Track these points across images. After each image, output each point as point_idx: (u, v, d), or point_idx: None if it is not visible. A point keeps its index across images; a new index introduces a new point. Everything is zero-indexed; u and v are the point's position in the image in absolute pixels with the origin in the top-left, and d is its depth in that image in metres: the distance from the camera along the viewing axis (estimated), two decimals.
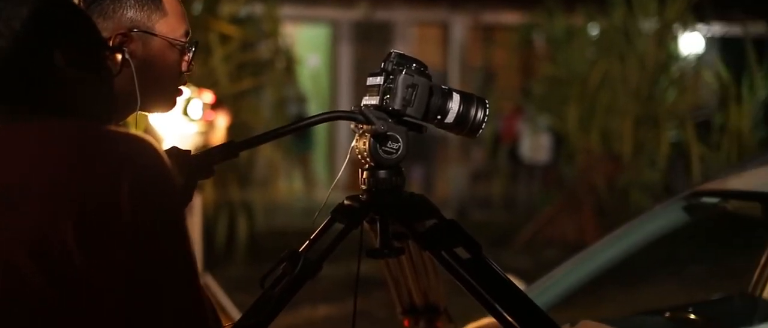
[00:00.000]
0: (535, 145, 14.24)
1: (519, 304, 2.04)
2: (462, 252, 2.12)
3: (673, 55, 11.97)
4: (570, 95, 11.32)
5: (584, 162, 11.42)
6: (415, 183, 15.11)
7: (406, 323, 2.80)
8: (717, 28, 14.56)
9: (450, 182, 14.28)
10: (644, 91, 11.28)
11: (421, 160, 15.63)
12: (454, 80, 14.81)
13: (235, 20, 9.64)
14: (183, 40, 1.97)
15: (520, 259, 10.08)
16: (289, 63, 10.10)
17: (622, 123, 11.09)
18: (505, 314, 2.00)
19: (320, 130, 14.79)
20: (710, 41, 15.19)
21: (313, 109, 14.01)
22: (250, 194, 9.84)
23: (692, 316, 3.35)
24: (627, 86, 11.18)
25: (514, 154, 14.84)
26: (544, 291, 3.27)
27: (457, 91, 2.21)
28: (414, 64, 2.11)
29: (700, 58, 13.40)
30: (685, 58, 12.53)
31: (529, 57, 14.30)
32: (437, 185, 15.17)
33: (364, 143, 2.13)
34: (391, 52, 2.15)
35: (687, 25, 11.75)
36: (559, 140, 12.98)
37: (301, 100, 12.35)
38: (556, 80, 11.88)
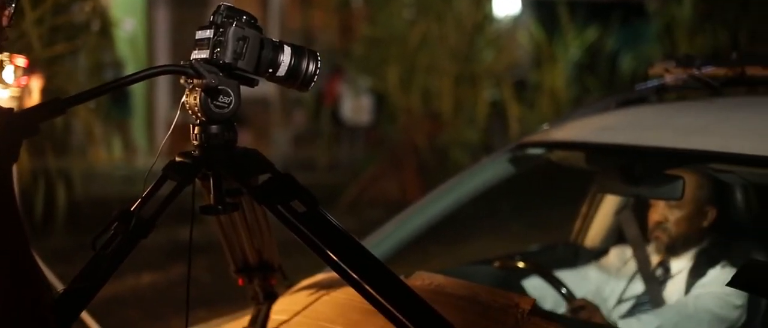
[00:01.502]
0: (356, 106, 14.31)
1: (357, 255, 2.04)
2: (298, 206, 2.11)
3: (489, 16, 12.21)
4: (389, 56, 11.41)
5: (405, 122, 11.56)
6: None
7: (240, 281, 2.78)
8: None
9: (272, 145, 14.21)
10: (462, 52, 11.47)
11: (243, 124, 15.53)
12: None
13: None
14: None
15: (345, 219, 10.09)
16: (104, 27, 9.79)
17: (441, 83, 11.27)
18: (343, 266, 2.00)
19: (139, 96, 14.46)
20: (525, 2, 15.60)
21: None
22: (67, 162, 9.54)
23: (519, 264, 3.43)
24: (445, 47, 11.34)
25: (335, 116, 14.88)
26: (374, 246, 3.28)
27: (289, 44, 2.19)
28: (244, 17, 2.08)
29: (515, 19, 13.74)
30: (501, 19, 12.82)
31: (349, 18, 14.31)
32: (260, 148, 15.03)
33: (195, 98, 2.09)
34: (221, 5, 2.11)
35: None
36: (380, 101, 13.08)
37: (118, 65, 12.02)
38: (375, 41, 11.93)
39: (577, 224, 4.18)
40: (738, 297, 3.32)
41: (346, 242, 2.07)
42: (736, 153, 2.74)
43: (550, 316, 2.54)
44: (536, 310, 2.37)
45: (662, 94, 3.69)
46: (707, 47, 11.59)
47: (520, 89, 12.38)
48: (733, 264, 3.32)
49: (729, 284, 2.33)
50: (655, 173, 2.92)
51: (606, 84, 12.83)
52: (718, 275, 3.39)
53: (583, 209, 4.16)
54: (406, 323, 1.97)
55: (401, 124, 11.69)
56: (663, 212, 3.54)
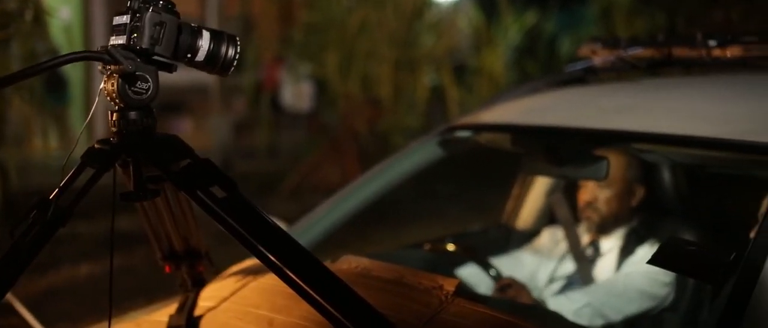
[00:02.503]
0: (296, 93, 14.27)
1: (277, 240, 2.03)
2: (219, 192, 2.10)
3: (428, 1, 12.21)
4: (329, 42, 11.38)
5: (345, 108, 11.54)
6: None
7: (167, 269, 2.76)
8: None
9: (212, 132, 14.11)
10: (401, 37, 11.47)
11: (182, 112, 15.43)
12: None
13: None
14: None
15: (286, 206, 10.11)
16: (38, 14, 9.65)
17: (380, 69, 11.26)
18: (263, 250, 1.99)
19: (77, 85, 14.28)
20: None
21: None
22: (2, 153, 9.40)
23: (450, 247, 3.44)
24: (385, 32, 11.33)
25: (276, 102, 14.83)
26: (305, 231, 3.28)
27: (208, 29, 2.17)
28: (161, 2, 2.05)
29: (455, 4, 13.75)
30: (441, 4, 12.82)
31: (288, 5, 14.23)
32: (200, 136, 14.99)
33: (113, 84, 2.06)
34: None
35: None
36: (321, 87, 13.05)
37: (54, 53, 11.85)
38: (315, 27, 11.89)
39: (509, 205, 4.21)
40: (666, 275, 3.36)
41: (266, 227, 2.06)
42: (657, 132, 2.77)
43: (475, 297, 2.56)
44: (460, 291, 2.38)
45: (591, 75, 3.72)
46: (645, 30, 11.70)
47: (460, 74, 12.41)
48: (662, 242, 3.36)
49: (650, 262, 2.36)
50: (579, 154, 2.94)
51: (545, 67, 12.92)
52: (647, 254, 3.41)
53: (515, 191, 4.19)
54: (327, 306, 1.97)
55: (341, 111, 11.67)
56: (593, 192, 3.58)
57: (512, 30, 13.23)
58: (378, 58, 11.32)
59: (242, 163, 13.86)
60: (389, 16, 11.31)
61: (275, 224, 2.07)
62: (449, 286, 2.39)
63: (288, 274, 2.00)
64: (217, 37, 2.16)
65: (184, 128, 15.72)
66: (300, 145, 14.07)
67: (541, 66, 12.98)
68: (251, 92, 14.09)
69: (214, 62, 2.16)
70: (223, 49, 2.16)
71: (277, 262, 2.01)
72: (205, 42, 2.14)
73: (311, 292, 1.98)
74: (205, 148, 14.26)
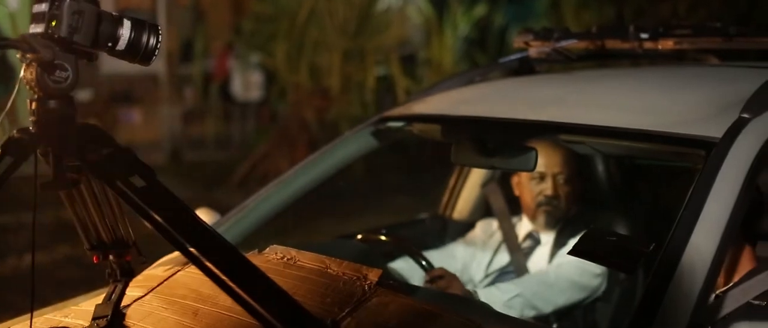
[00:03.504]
0: (246, 83, 14.23)
1: (194, 229, 2.03)
2: (138, 182, 2.09)
3: None
4: (278, 32, 11.35)
5: (295, 98, 11.52)
6: (126, 126, 14.80)
7: (95, 259, 2.74)
8: None
9: (162, 123, 14.03)
10: (351, 27, 11.47)
11: (132, 102, 15.32)
12: (162, 20, 14.50)
13: None
14: None
15: (236, 196, 10.06)
16: None
17: (330, 58, 11.25)
18: (181, 239, 1.99)
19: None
20: None
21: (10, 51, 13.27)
22: None
23: (383, 238, 3.45)
24: (334, 22, 11.32)
25: (226, 92, 14.77)
26: (237, 222, 3.28)
27: (129, 18, 2.16)
28: None
29: None
30: None
31: None
32: (149, 126, 14.91)
33: (32, 73, 2.05)
34: None
35: None
36: (270, 77, 13.02)
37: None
38: (264, 17, 11.86)
39: (445, 196, 4.23)
40: (598, 266, 3.39)
41: (185, 218, 2.05)
42: (583, 124, 2.79)
43: (400, 287, 2.56)
44: (384, 281, 2.39)
45: (526, 66, 3.75)
46: (593, 22, 11.77)
47: (409, 64, 12.44)
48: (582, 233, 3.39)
49: (570, 253, 2.38)
50: (507, 145, 2.96)
51: (494, 59, 12.96)
52: None
53: (451, 182, 4.20)
54: (245, 296, 1.97)
55: (291, 100, 11.66)
56: (554, 186, 3.59)
57: (462, 21, 13.27)
58: (327, 47, 11.31)
59: (192, 153, 13.81)
60: (339, 6, 11.31)
61: (193, 213, 2.07)
62: (373, 276, 2.40)
63: (206, 264, 2.00)
64: (138, 25, 2.15)
65: (134, 118, 15.63)
66: (250, 134, 14.04)
67: (491, 57, 13.03)
68: (201, 82, 14.03)
69: (135, 51, 2.15)
70: (145, 38, 2.15)
71: (195, 252, 2.01)
72: (126, 31, 2.13)
73: (229, 282, 1.98)
74: (154, 138, 14.19)
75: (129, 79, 15.30)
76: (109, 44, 2.12)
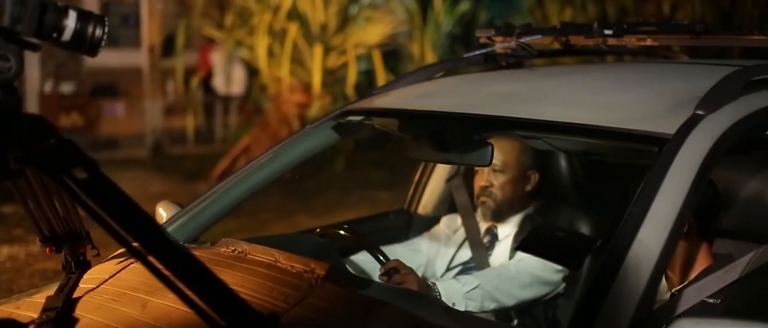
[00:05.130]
0: (229, 77, 14.21)
1: (138, 222, 2.02)
2: (81, 174, 2.07)
3: None
4: (261, 26, 11.34)
5: (276, 92, 11.51)
6: (109, 119, 14.76)
7: (48, 251, 2.73)
8: None
9: (144, 116, 14.01)
10: (334, 22, 11.46)
11: (115, 95, 15.27)
12: (145, 14, 14.47)
13: None
14: None
15: None
16: None
17: (311, 53, 11.24)
18: (122, 232, 1.98)
19: None
20: None
21: None
22: None
23: (341, 232, 3.45)
24: (316, 17, 11.31)
25: (208, 86, 14.75)
26: (196, 215, 3.27)
27: (74, 9, 2.15)
28: None
29: None
30: None
31: None
32: (132, 120, 14.88)
33: None
34: None
35: None
36: (253, 72, 13.01)
37: None
38: (247, 11, 11.84)
39: (410, 191, 4.23)
40: None
41: (129, 210, 2.04)
42: (538, 119, 2.79)
43: (347, 280, 2.56)
44: (332, 275, 2.39)
45: (490, 61, 3.75)
46: (577, 20, 11.78)
47: (392, 59, 12.44)
48: (531, 230, 3.39)
49: (518, 249, 2.38)
50: (464, 139, 2.95)
51: None
52: None
53: (416, 177, 4.21)
54: (187, 290, 1.96)
55: (272, 95, 11.65)
56: (488, 177, 3.61)
57: (446, 17, 13.27)
58: (309, 42, 11.30)
59: (173, 146, 13.79)
60: (321, 1, 11.31)
61: (138, 207, 2.05)
62: (320, 270, 2.40)
63: (147, 258, 1.99)
64: (83, 16, 2.14)
65: (118, 112, 15.58)
66: (231, 129, 14.03)
67: None
68: (183, 76, 13.99)
69: (81, 42, 2.13)
70: (90, 28, 2.13)
71: (137, 246, 2.00)
72: (71, 21, 2.12)
73: (171, 276, 1.97)
74: (137, 131, 14.16)
75: (113, 72, 15.26)
76: (54, 35, 2.11)
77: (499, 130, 3.14)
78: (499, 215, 3.65)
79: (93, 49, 2.16)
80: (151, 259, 2.00)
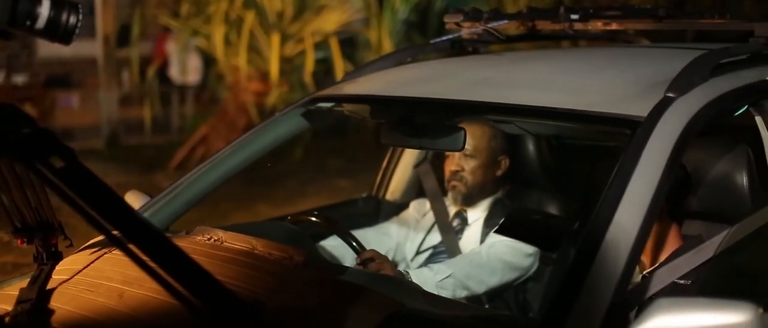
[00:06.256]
0: (184, 66, 14.12)
1: (116, 210, 2.00)
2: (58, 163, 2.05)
3: None
4: (216, 14, 11.26)
5: (233, 81, 11.46)
6: (64, 110, 14.63)
7: (20, 242, 2.70)
8: None
9: (99, 106, 13.88)
10: (290, 11, 11.41)
11: (70, 86, 15.13)
12: (99, 2, 14.34)
13: None
14: None
15: (174, 180, 10.02)
16: None
17: (268, 42, 11.19)
18: (101, 221, 1.96)
19: None
20: None
21: None
22: None
23: (313, 219, 3.45)
24: (273, 5, 11.26)
25: (164, 76, 14.65)
26: (167, 204, 3.24)
27: None
28: None
29: None
30: None
31: None
32: (88, 110, 14.75)
33: None
34: None
35: None
36: (208, 61, 12.93)
37: None
38: (203, 0, 11.75)
39: (378, 177, 4.24)
40: (529, 246, 3.41)
41: (106, 197, 2.02)
42: (509, 103, 2.80)
43: (326, 267, 2.56)
44: (309, 262, 2.39)
45: (458, 47, 3.76)
46: (534, 5, 11.78)
47: (349, 47, 12.41)
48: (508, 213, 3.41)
49: (496, 232, 2.39)
50: (435, 125, 2.96)
51: None
52: None
53: (384, 163, 4.21)
54: (167, 278, 1.95)
55: (229, 84, 11.59)
56: (459, 162, 3.62)
57: (402, 4, 13.25)
58: (266, 30, 11.24)
59: (130, 137, 13.68)
60: None
61: (115, 194, 2.04)
62: (299, 256, 2.39)
63: (127, 246, 1.97)
64: (57, 4, 2.12)
65: (73, 103, 15.44)
66: (188, 118, 13.95)
67: (431, 40, 13.00)
68: (138, 65, 13.88)
69: (54, 30, 2.11)
70: (64, 16, 2.12)
71: (116, 234, 1.99)
72: (44, 9, 2.10)
73: (152, 265, 1.96)
74: (93, 122, 14.03)
75: (67, 63, 15.12)
76: (28, 23, 2.09)
77: (470, 115, 3.15)
78: (469, 200, 3.67)
79: (67, 36, 2.14)
80: (131, 247, 1.99)
